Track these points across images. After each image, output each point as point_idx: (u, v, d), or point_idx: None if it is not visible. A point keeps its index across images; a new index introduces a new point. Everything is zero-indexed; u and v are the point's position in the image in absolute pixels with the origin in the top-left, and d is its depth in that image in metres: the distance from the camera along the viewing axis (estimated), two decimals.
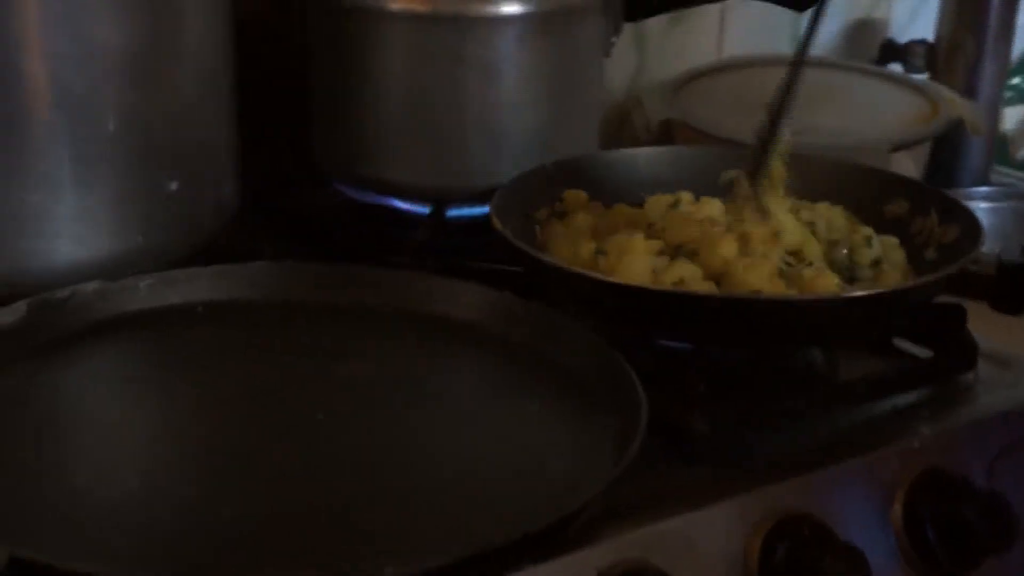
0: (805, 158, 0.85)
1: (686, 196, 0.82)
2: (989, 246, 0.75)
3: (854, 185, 0.82)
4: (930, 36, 1.23)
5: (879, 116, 1.09)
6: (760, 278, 0.70)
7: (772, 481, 0.65)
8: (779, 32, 1.23)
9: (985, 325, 0.75)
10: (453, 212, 0.88)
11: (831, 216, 0.80)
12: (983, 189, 1.13)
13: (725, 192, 0.83)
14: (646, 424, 0.61)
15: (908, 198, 0.80)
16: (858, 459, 0.67)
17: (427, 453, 0.63)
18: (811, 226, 0.78)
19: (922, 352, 0.76)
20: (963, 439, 0.70)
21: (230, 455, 0.62)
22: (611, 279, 0.70)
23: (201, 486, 0.60)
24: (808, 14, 0.78)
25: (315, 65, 0.91)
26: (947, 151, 1.11)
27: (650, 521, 0.61)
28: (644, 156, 0.86)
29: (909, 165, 1.04)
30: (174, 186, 0.75)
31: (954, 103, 1.10)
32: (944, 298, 0.75)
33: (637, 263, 0.73)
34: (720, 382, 0.70)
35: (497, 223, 0.75)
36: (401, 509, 0.58)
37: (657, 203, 0.82)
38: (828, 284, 0.72)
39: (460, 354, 0.72)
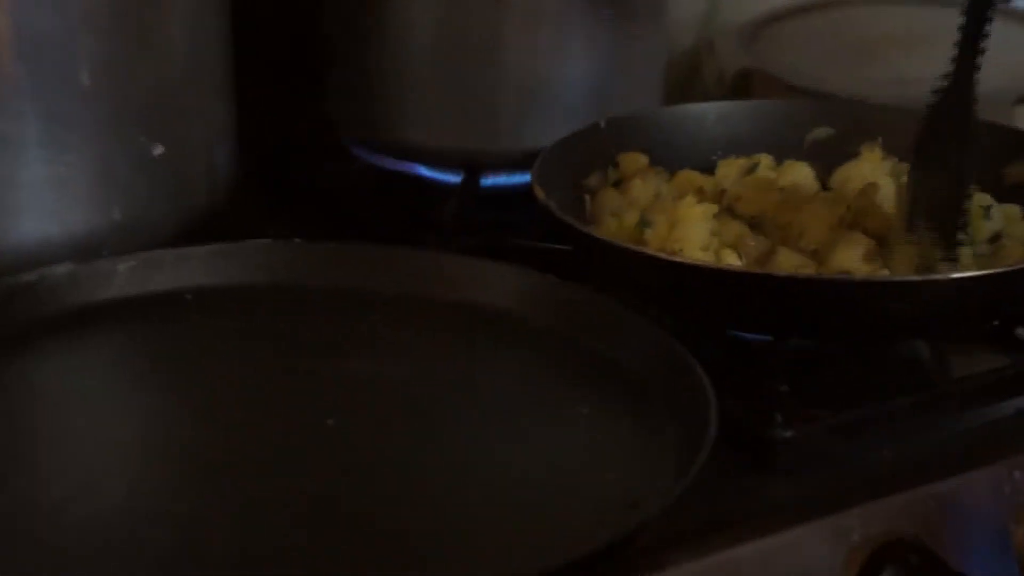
0: (907, 112, 0.84)
1: (766, 159, 0.81)
2: None
3: None
4: None
5: (1003, 61, 1.06)
6: (853, 257, 0.70)
7: (870, 499, 0.64)
8: None
9: None
10: (489, 181, 0.88)
11: None
12: None
13: (813, 154, 0.82)
14: (716, 430, 0.60)
15: None
16: (974, 473, 0.66)
17: (457, 466, 0.63)
18: None
19: None
20: None
21: (225, 468, 0.62)
22: (676, 259, 0.70)
23: (191, 502, 0.60)
24: None
25: (328, 10, 0.91)
26: None
27: (723, 546, 0.60)
28: (716, 112, 0.86)
29: None
30: (159, 151, 0.75)
31: None
32: None
33: (693, 233, 0.72)
34: (806, 381, 0.70)
35: (540, 192, 0.75)
36: (424, 532, 0.58)
37: (730, 167, 0.81)
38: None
39: (496, 349, 0.71)
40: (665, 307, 0.71)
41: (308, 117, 0.94)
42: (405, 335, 0.73)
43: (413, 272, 0.75)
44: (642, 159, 0.82)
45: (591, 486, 0.61)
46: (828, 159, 0.81)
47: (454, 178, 0.89)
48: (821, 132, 0.83)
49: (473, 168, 0.88)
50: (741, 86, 1.07)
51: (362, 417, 0.66)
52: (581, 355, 0.70)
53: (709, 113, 0.86)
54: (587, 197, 0.81)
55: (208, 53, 0.79)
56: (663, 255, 0.71)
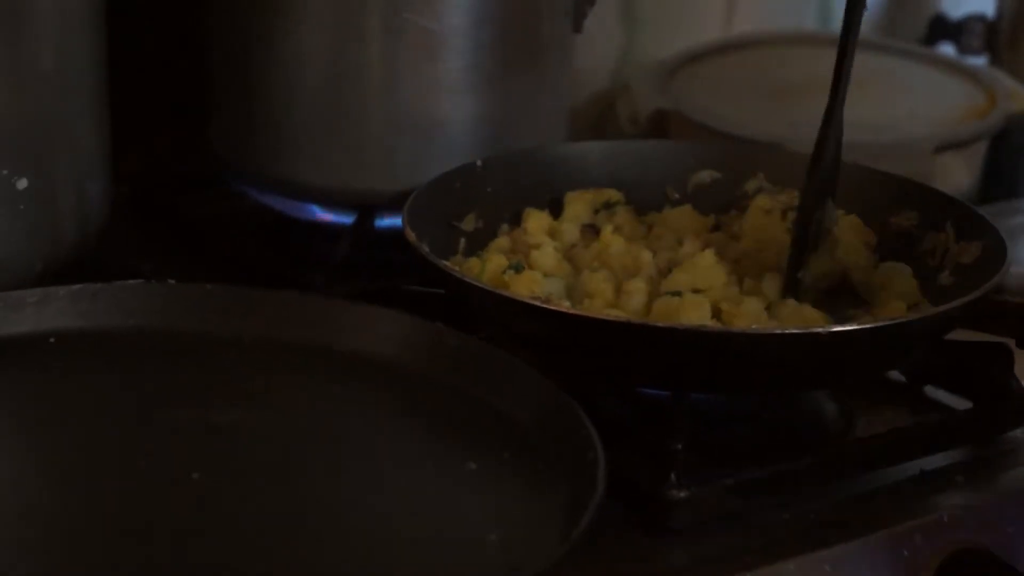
0: (790, 155, 0.85)
1: (616, 194, 0.83)
2: None
3: (851, 190, 0.81)
4: (990, 11, 1.24)
5: (923, 108, 1.09)
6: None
7: (767, 562, 0.65)
8: (803, 2, 1.24)
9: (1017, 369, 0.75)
10: (383, 222, 0.88)
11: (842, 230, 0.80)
12: None
13: (696, 197, 0.84)
14: (606, 489, 0.60)
15: (918, 208, 0.81)
16: (875, 536, 0.67)
17: (331, 525, 0.62)
18: None
19: (959, 403, 0.77)
20: (1005, 512, 0.71)
21: (84, 527, 0.61)
22: (561, 309, 0.70)
23: (49, 564, 0.59)
24: None
25: (215, 34, 0.90)
26: (1008, 153, 1.11)
27: None
28: (600, 151, 0.86)
29: (959, 169, 1.04)
30: (22, 184, 0.75)
31: (1017, 94, 1.11)
32: (959, 334, 0.74)
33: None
34: (705, 437, 0.70)
35: (411, 234, 0.75)
36: None
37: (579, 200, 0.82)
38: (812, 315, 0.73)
39: (379, 399, 0.71)
40: (556, 359, 0.72)
41: (189, 149, 0.93)
42: (280, 384, 0.73)
43: (293, 317, 0.75)
44: (545, 218, 0.82)
45: (472, 548, 0.61)
46: (713, 202, 0.83)
47: (346, 219, 0.89)
48: (704, 175, 0.84)
49: (366, 208, 0.88)
50: (657, 128, 1.08)
51: (230, 472, 0.65)
52: (468, 407, 0.70)
53: (592, 152, 0.86)
54: (463, 240, 0.81)
55: (79, 77, 0.78)
56: (551, 305, 0.71)
